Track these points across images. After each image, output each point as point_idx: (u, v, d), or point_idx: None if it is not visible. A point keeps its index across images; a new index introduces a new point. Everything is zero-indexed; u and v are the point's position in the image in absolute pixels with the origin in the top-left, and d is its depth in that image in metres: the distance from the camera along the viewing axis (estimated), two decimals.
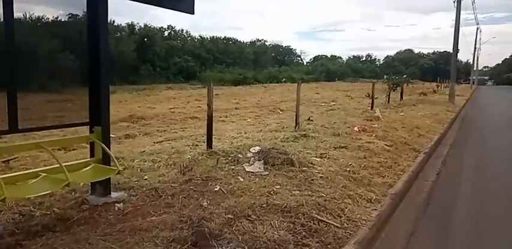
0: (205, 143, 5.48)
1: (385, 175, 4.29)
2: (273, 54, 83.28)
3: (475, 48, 45.87)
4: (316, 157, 4.92)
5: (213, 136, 6.67)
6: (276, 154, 4.17)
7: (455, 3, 17.12)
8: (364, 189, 3.66)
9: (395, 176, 4.33)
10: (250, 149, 4.45)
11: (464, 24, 58.67)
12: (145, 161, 4.47)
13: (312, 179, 3.74)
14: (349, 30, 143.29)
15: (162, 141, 6.29)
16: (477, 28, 44.57)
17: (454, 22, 17.94)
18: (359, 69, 72.84)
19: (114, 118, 9.01)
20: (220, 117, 9.91)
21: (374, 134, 6.93)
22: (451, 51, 18.90)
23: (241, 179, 3.62)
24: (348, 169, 4.24)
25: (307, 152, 5.12)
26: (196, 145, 5.74)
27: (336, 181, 3.77)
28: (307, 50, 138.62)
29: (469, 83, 50.09)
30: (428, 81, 46.76)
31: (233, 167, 3.98)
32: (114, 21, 49.49)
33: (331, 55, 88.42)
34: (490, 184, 4.57)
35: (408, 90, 23.08)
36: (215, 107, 13.73)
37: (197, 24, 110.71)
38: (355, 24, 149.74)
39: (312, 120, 9.08)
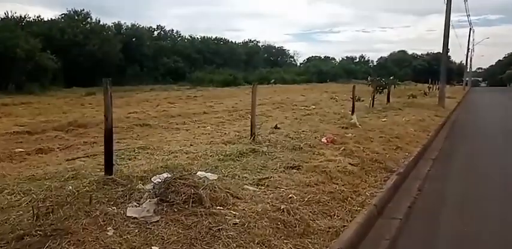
0: (116, 165, 4.33)
1: (334, 214, 3.14)
2: (265, 55, 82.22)
3: (468, 49, 45.11)
4: (251, 184, 3.76)
5: (146, 151, 5.54)
6: (181, 187, 2.99)
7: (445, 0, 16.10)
8: (292, 245, 2.50)
9: (349, 215, 3.18)
10: (153, 179, 3.28)
11: (457, 25, 58.15)
12: (13, 194, 3.29)
13: (220, 229, 2.57)
14: (344, 32, 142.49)
15: (78, 158, 5.09)
16: (470, 28, 43.81)
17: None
18: (352, 70, 72.01)
19: (49, 126, 7.81)
20: (177, 124, 8.72)
21: (342, 148, 5.79)
22: None
23: (109, 233, 2.44)
24: (283, 207, 3.07)
25: (244, 177, 3.95)
26: (113, 165, 4.54)
27: (254, 231, 2.60)
28: (304, 52, 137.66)
29: (462, 84, 49.25)
30: (421, 82, 45.91)
31: (112, 208, 2.80)
32: (99, 21, 48.14)
33: (325, 57, 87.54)
34: (479, 225, 3.44)
35: (398, 91, 21.99)
36: (184, 111, 12.57)
37: (194, 26, 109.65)
38: (351, 26, 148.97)
39: (279, 128, 7.93)
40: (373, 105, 13.28)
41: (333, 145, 6.21)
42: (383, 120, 9.92)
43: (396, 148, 6.20)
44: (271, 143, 5.91)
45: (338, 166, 4.48)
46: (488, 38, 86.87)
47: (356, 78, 62.47)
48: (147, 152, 5.39)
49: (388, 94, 15.23)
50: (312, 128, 7.92)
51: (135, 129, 7.77)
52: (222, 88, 34.77)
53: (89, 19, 46.97)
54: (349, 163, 4.75)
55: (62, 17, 46.13)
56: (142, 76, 49.65)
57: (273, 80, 45.75)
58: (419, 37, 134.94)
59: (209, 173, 3.90)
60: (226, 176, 3.96)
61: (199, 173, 3.88)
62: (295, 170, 4.40)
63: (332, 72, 67.81)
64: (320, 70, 67.03)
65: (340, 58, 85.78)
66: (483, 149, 7.27)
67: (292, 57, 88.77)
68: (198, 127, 8.40)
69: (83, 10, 46.54)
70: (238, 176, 3.96)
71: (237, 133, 7.32)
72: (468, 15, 42.84)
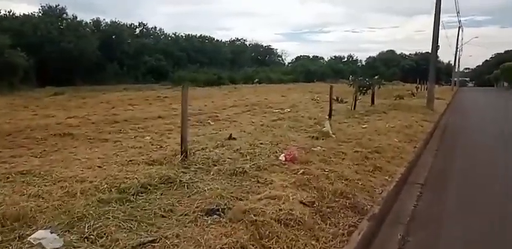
0: None
1: None
2: (253, 54, 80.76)
3: (457, 48, 44.23)
4: None
5: (25, 179, 3.94)
6: None
7: None
8: None
9: None
10: None
11: (446, 26, 57.55)
12: None
13: None
14: (334, 32, 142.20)
15: None
16: (459, 27, 42.91)
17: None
18: (340, 69, 71.10)
19: None
20: (111, 133, 7.11)
21: (301, 171, 4.30)
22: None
23: None
24: None
25: (114, 240, 2.40)
26: None
27: None
28: (294, 51, 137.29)
29: (450, 84, 48.48)
30: (410, 82, 45.06)
31: None
32: (76, 17, 45.87)
33: (313, 56, 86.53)
34: None
35: (385, 92, 20.66)
36: (137, 115, 10.94)
37: (184, 25, 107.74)
38: (340, 26, 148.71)
39: (234, 138, 6.41)
40: (354, 108, 11.87)
41: (292, 164, 4.73)
42: (363, 126, 8.48)
43: (374, 168, 4.73)
44: (206, 165, 4.39)
45: (281, 210, 2.97)
46: (477, 37, 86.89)
47: (344, 77, 61.44)
48: (24, 181, 3.81)
49: (372, 95, 13.83)
50: (275, 138, 6.43)
51: (49, 141, 6.15)
52: (203, 88, 33.05)
53: (65, 15, 44.70)
54: (301, 202, 3.24)
55: (35, 13, 43.83)
56: (122, 75, 47.74)
57: (256, 79, 44.21)
58: (408, 37, 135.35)
59: (54, 235, 2.36)
60: (86, 238, 2.41)
61: (36, 234, 2.34)
62: (214, 217, 2.88)
63: (320, 72, 66.75)
64: (308, 70, 65.89)
65: (329, 58, 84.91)
66: (482, 165, 5.87)
67: (280, 56, 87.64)
68: (135, 137, 6.81)
69: (58, 5, 44.24)
70: (107, 238, 2.41)
71: (177, 147, 5.76)
72: (458, 13, 41.81)
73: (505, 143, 7.94)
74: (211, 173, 4.06)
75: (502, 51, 76.80)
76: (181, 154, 4.60)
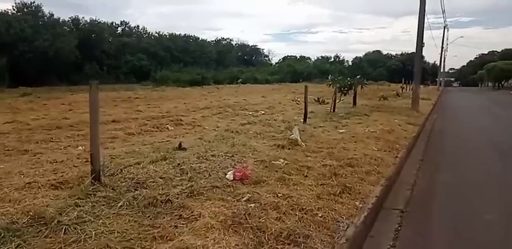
0: None
1: None
2: (239, 54, 79.66)
3: (442, 47, 44.04)
4: None
5: None
6: None
7: None
8: None
9: None
10: None
11: (432, 27, 57.87)
12: None
13: None
14: (322, 33, 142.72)
15: None
16: (444, 27, 42.76)
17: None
18: (326, 70, 70.53)
19: None
20: (38, 142, 5.96)
21: (245, 197, 3.30)
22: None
23: None
24: None
25: None
26: None
27: None
28: (282, 52, 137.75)
29: (436, 85, 48.28)
30: (396, 82, 44.70)
31: None
32: (53, 15, 44.00)
33: (300, 56, 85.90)
34: None
35: (370, 92, 19.93)
36: (86, 118, 9.84)
37: (173, 25, 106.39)
38: (328, 27, 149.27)
39: (184, 149, 5.37)
40: (334, 110, 10.92)
41: (240, 185, 3.71)
42: (340, 131, 7.52)
43: (342, 190, 3.73)
44: (118, 191, 3.32)
45: None
46: (462, 36, 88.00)
47: None
48: None
49: (354, 96, 12.93)
50: (232, 149, 5.41)
51: None
52: (184, 88, 31.79)
53: (40, 13, 42.75)
54: None
55: (9, 10, 41.86)
56: (102, 75, 46.13)
57: (239, 79, 43.14)
58: (394, 38, 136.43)
59: None
60: None
61: None
62: None
63: (306, 72, 66.04)
64: (294, 70, 65.11)
65: (315, 58, 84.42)
66: (475, 177, 4.95)
67: (267, 56, 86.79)
68: (65, 147, 5.69)
69: (33, 3, 42.30)
70: None
71: (112, 159, 4.69)
72: (444, 11, 41.66)
73: (495, 146, 7.12)
74: (120, 204, 3.00)
75: (486, 52, 77.64)
76: (92, 174, 3.52)
